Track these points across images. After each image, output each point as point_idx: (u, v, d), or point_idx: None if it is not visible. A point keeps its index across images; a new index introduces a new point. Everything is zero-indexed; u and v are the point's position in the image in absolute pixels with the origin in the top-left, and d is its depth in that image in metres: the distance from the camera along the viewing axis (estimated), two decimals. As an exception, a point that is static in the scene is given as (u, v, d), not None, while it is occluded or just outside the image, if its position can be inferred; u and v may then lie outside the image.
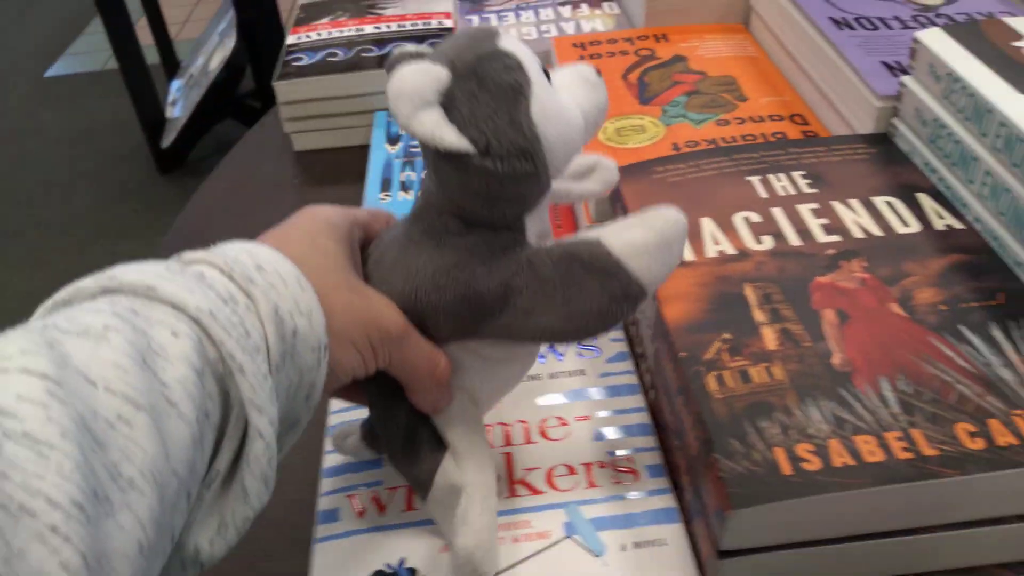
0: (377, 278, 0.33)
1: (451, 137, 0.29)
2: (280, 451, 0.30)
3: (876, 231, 0.42)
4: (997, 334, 0.36)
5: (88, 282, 0.27)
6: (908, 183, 0.46)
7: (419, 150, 0.58)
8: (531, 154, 0.30)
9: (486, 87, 0.29)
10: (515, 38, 0.32)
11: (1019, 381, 0.34)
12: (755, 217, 0.44)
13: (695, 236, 0.43)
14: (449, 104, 0.29)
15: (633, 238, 0.31)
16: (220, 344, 0.25)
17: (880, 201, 0.44)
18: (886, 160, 0.48)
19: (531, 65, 0.31)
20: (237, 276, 0.28)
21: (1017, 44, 0.45)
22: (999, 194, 0.41)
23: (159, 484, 0.23)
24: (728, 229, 0.43)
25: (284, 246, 0.31)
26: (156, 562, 0.24)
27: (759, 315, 0.38)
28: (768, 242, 0.42)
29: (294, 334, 0.28)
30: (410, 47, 0.32)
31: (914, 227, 0.42)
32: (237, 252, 0.29)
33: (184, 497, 0.25)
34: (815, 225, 0.43)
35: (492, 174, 0.30)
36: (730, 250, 0.42)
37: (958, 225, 0.42)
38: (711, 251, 0.42)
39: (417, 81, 0.28)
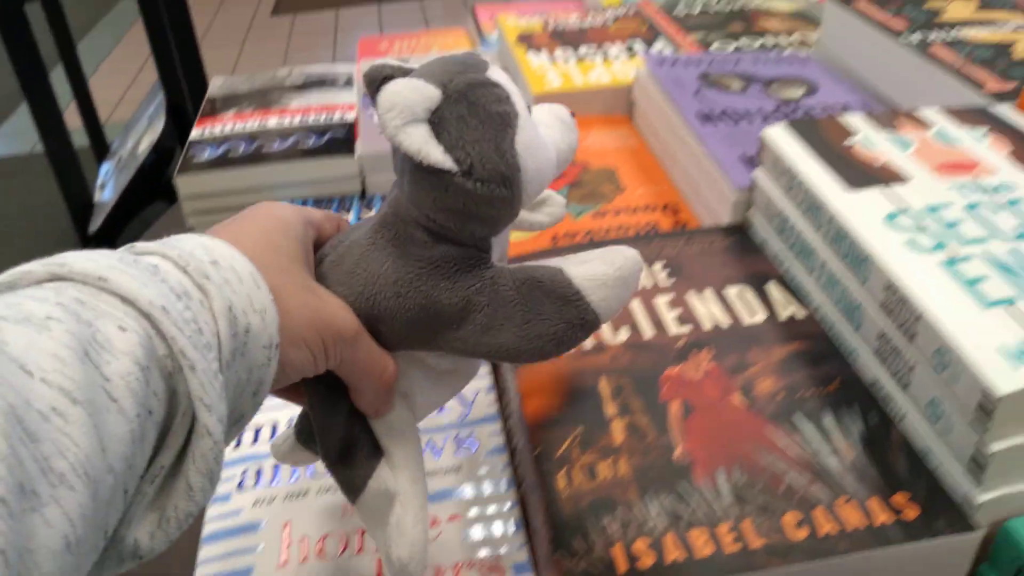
0: (333, 280, 0.34)
1: (436, 154, 0.30)
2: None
3: (725, 321, 0.45)
4: (828, 422, 0.38)
5: (35, 266, 0.26)
6: (759, 272, 0.48)
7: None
8: (510, 181, 0.31)
9: (476, 113, 0.31)
10: (502, 71, 0.33)
11: (843, 469, 0.36)
12: (615, 311, 0.46)
13: (557, 331, 0.45)
14: (437, 123, 0.31)
15: (594, 271, 0.32)
16: (172, 340, 0.25)
17: (732, 291, 0.47)
18: (741, 250, 0.50)
19: (518, 99, 0.32)
20: (192, 271, 0.27)
21: (849, 143, 0.49)
22: (833, 284, 0.43)
23: (92, 480, 0.22)
24: (589, 323, 0.45)
25: (238, 242, 0.30)
26: (86, 558, 0.23)
27: (610, 408, 0.40)
28: (624, 334, 0.44)
29: (247, 331, 0.28)
30: (393, 62, 0.33)
31: (760, 316, 0.45)
32: (192, 246, 0.28)
33: (120, 493, 0.24)
34: (669, 317, 0.45)
35: (470, 194, 0.31)
36: (589, 343, 0.44)
37: (801, 314, 0.45)
38: (571, 346, 0.44)
39: (410, 96, 0.30)
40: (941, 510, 0.34)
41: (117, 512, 0.24)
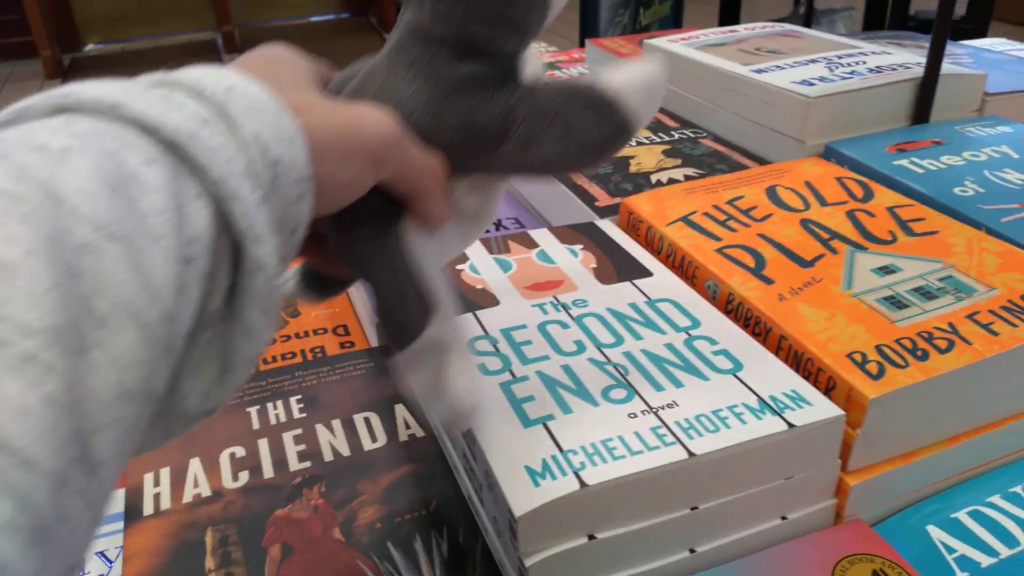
0: None
1: None
2: None
3: (345, 451, 0.46)
4: (418, 546, 0.40)
5: (38, 99, 0.22)
6: (392, 395, 0.51)
7: None
8: None
9: None
10: None
11: (423, 592, 0.38)
12: (240, 452, 0.47)
13: (178, 480, 0.45)
14: None
15: (628, 77, 0.33)
16: (206, 168, 0.22)
17: (359, 418, 0.49)
18: (379, 372, 0.53)
19: None
20: (209, 95, 0.24)
21: (460, 267, 0.52)
22: (440, 406, 0.46)
23: (140, 323, 0.19)
24: (212, 469, 0.45)
25: (245, 71, 0.26)
26: (138, 413, 0.20)
27: (210, 562, 0.40)
28: (244, 478, 0.45)
29: (276, 163, 0.24)
30: None
31: (380, 441, 0.47)
32: (205, 74, 0.25)
33: (166, 348, 0.21)
34: (293, 453, 0.46)
35: None
36: (206, 492, 0.44)
37: (420, 433, 0.47)
38: (188, 496, 0.44)
39: None
40: (504, 623, 0.37)
41: (167, 367, 0.21)
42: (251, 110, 0.24)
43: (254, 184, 0.24)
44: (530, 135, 0.32)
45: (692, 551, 0.38)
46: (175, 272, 0.21)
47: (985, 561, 0.40)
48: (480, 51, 0.31)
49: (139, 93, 0.23)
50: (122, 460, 0.20)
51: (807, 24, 2.54)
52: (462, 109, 0.31)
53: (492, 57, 0.31)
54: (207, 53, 3.78)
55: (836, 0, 2.76)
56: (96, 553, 0.44)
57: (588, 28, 2.33)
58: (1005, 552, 0.40)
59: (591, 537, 0.36)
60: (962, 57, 0.84)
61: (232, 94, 0.24)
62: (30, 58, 3.55)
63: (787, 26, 0.89)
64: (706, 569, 0.38)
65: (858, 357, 0.41)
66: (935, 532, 0.42)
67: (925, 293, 0.46)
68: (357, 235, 0.32)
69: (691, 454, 0.36)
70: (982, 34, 2.19)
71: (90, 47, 3.98)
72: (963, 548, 0.41)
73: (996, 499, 0.43)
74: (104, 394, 0.18)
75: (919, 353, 0.41)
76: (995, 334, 0.42)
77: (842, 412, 0.39)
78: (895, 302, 0.45)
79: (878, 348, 0.42)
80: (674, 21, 2.55)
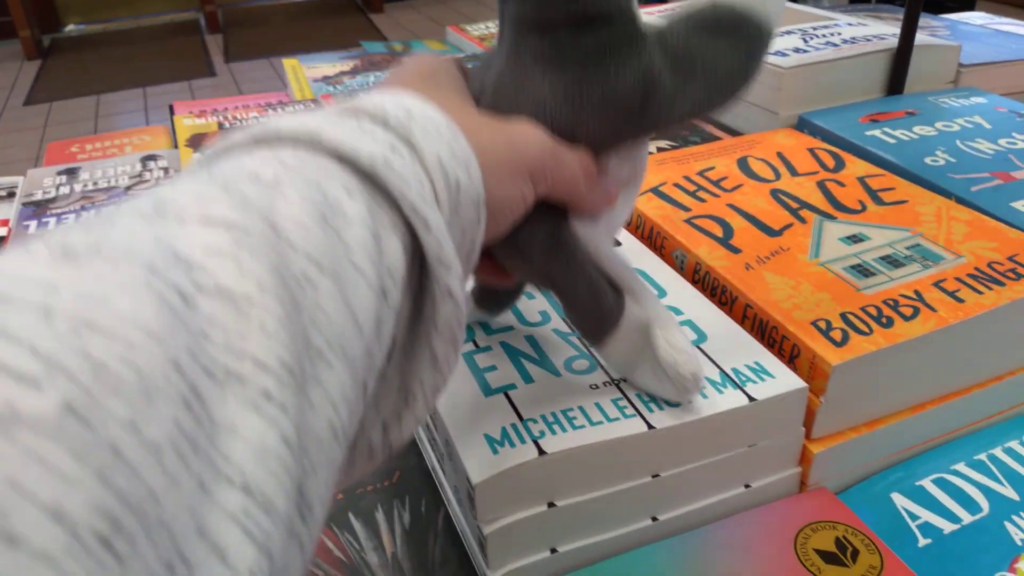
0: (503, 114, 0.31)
1: None
2: None
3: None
4: (379, 517, 0.40)
5: (239, 136, 0.22)
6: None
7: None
8: None
9: None
10: None
11: (383, 564, 0.38)
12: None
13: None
14: None
15: None
16: (400, 198, 0.22)
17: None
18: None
19: None
20: (393, 123, 0.24)
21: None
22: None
23: (348, 359, 0.19)
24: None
25: (408, 89, 0.27)
26: (342, 453, 0.20)
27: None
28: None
29: (457, 187, 0.24)
30: None
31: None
32: (383, 100, 0.25)
33: (363, 385, 0.21)
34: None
35: None
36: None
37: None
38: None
39: None
40: (464, 592, 0.36)
41: (361, 409, 0.21)
42: (430, 134, 0.24)
43: (441, 210, 0.24)
44: (674, 90, 0.30)
45: (654, 519, 0.38)
46: (375, 306, 0.21)
47: (948, 527, 0.40)
48: (595, 17, 0.30)
49: (333, 122, 0.23)
50: (326, 504, 0.19)
51: None
52: (599, 87, 0.30)
53: (608, 19, 0.30)
54: (189, 33, 3.74)
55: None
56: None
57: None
58: (968, 518, 0.40)
59: (551, 505, 0.35)
60: (939, 29, 0.84)
61: (412, 118, 0.24)
62: (8, 39, 3.50)
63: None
64: (668, 537, 0.38)
65: (822, 324, 0.41)
66: (899, 499, 0.42)
67: (892, 261, 0.46)
68: (530, 249, 0.32)
69: (650, 427, 0.36)
70: (969, 9, 2.19)
71: (70, 27, 3.92)
72: (926, 515, 0.40)
73: (961, 466, 0.43)
74: (321, 433, 0.18)
75: (884, 320, 0.41)
76: (961, 301, 0.42)
77: (805, 384, 0.38)
78: (862, 270, 0.45)
79: (843, 316, 0.41)
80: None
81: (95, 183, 0.83)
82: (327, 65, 1.13)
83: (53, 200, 0.79)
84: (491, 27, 1.31)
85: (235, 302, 0.17)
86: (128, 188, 0.80)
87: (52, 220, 0.75)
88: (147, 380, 0.15)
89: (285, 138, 0.22)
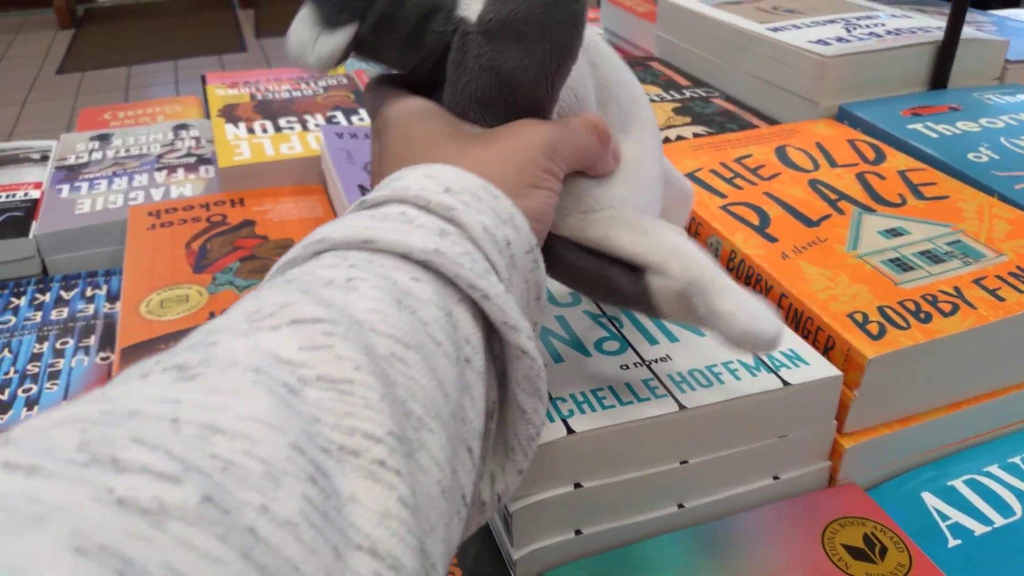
0: None
1: None
2: None
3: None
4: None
5: (297, 251, 0.25)
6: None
7: None
8: None
9: None
10: None
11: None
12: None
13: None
14: None
15: None
16: (456, 279, 0.24)
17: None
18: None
19: None
20: (435, 207, 0.26)
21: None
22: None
23: (443, 422, 0.21)
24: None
25: (441, 157, 0.29)
26: (451, 510, 0.22)
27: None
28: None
29: (508, 244, 0.26)
30: None
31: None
32: (421, 181, 0.26)
33: (464, 448, 0.23)
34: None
35: None
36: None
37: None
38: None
39: None
40: (486, 571, 0.36)
41: (467, 471, 0.23)
42: (471, 205, 0.26)
43: (495, 277, 0.25)
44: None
45: (681, 506, 0.38)
46: (456, 372, 0.23)
47: (979, 529, 0.39)
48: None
49: (383, 225, 0.24)
50: (447, 561, 0.21)
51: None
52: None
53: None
54: (221, 7, 3.74)
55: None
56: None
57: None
58: (1000, 521, 0.39)
59: (577, 486, 0.35)
60: (986, 24, 0.82)
61: (452, 193, 0.26)
62: (43, 7, 3.53)
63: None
64: (694, 525, 0.38)
65: (859, 317, 0.40)
66: (930, 499, 0.41)
67: (932, 256, 0.45)
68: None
69: (682, 407, 0.35)
70: (1015, 4, 2.14)
71: (104, -2, 3.94)
72: (957, 516, 0.40)
73: (994, 468, 0.42)
74: (432, 493, 0.20)
75: (922, 315, 0.40)
76: (1001, 299, 0.41)
77: (839, 372, 0.38)
78: (900, 264, 0.44)
79: (880, 309, 0.41)
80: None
81: (127, 150, 0.83)
82: (360, 41, 1.13)
83: (86, 165, 0.80)
84: None
85: (337, 386, 0.19)
86: (160, 156, 0.81)
87: (84, 184, 0.76)
88: (272, 466, 0.16)
89: (340, 247, 0.24)
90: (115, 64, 3.00)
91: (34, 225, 0.68)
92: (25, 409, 0.49)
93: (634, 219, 0.32)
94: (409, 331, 0.22)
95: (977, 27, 0.78)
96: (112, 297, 0.63)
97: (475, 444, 0.24)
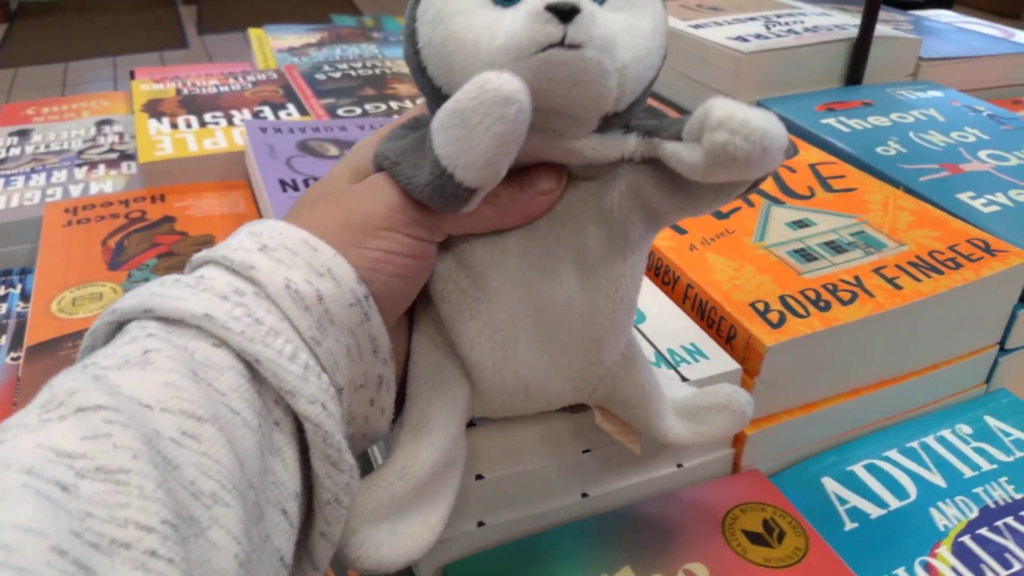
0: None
1: None
2: (369, 414, 0.29)
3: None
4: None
5: (97, 324, 0.26)
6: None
7: None
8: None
9: None
10: None
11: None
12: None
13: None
14: None
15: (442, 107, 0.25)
16: (226, 343, 0.24)
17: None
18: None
19: None
20: (237, 266, 0.26)
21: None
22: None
23: (240, 494, 0.22)
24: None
25: (296, 216, 0.28)
26: (262, 574, 0.22)
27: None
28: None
29: (319, 300, 0.26)
30: None
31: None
32: (241, 238, 0.27)
33: (272, 509, 0.23)
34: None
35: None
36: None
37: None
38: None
39: None
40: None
41: (284, 534, 0.24)
42: (282, 261, 0.26)
43: (289, 336, 0.25)
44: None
45: (584, 495, 0.38)
46: (258, 439, 0.23)
47: (875, 512, 0.40)
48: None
49: (164, 292, 0.25)
50: None
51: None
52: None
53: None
54: (162, 3, 3.67)
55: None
56: None
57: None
58: (895, 504, 0.41)
59: (479, 477, 0.35)
60: (903, 23, 0.84)
61: (262, 254, 0.26)
62: (-23, 1, 3.42)
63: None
64: (598, 514, 0.38)
65: (760, 306, 0.41)
66: (830, 484, 0.42)
67: (835, 247, 0.46)
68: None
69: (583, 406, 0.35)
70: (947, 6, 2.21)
71: (41, -8, 3.83)
72: (855, 500, 0.41)
73: (892, 453, 0.43)
74: (227, 566, 0.21)
75: (822, 304, 0.41)
76: (898, 288, 0.42)
77: (738, 366, 0.38)
78: (805, 254, 0.45)
79: (781, 298, 0.41)
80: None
81: (47, 145, 0.81)
82: (293, 36, 1.12)
83: (2, 161, 0.77)
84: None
85: (113, 476, 0.19)
86: (81, 152, 0.79)
87: (0, 181, 0.74)
88: (29, 573, 0.17)
89: (131, 316, 0.25)
90: (51, 60, 2.92)
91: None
92: (-78, 411, 0.48)
93: None
94: (204, 403, 0.22)
95: (895, 26, 0.80)
96: (26, 296, 0.61)
97: (290, 505, 0.24)
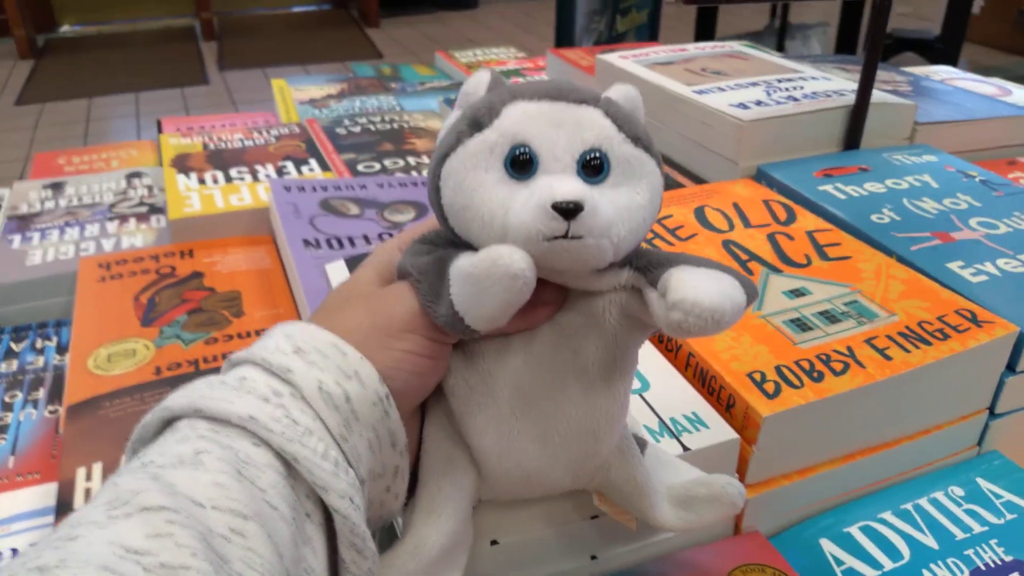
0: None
1: None
2: (384, 499, 0.32)
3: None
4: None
5: (148, 418, 0.28)
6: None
7: None
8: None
9: None
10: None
11: None
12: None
13: (111, 474, 0.46)
14: None
15: (459, 263, 0.29)
16: (268, 443, 0.27)
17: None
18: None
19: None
20: (276, 369, 0.29)
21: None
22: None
23: None
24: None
25: (326, 317, 0.32)
26: None
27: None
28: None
29: (347, 399, 0.29)
30: None
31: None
32: (277, 340, 0.30)
33: None
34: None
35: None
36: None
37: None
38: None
39: None
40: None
41: None
42: (314, 364, 0.29)
43: (321, 435, 0.28)
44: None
45: (593, 557, 0.40)
46: (293, 531, 0.26)
47: (869, 573, 0.42)
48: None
49: (212, 394, 0.28)
50: None
51: (781, 38, 2.58)
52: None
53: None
54: (184, 39, 3.76)
55: (811, 15, 2.80)
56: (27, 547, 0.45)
57: (563, 34, 2.35)
58: (889, 565, 0.43)
59: (493, 543, 0.38)
60: (902, 85, 0.87)
61: (297, 357, 0.29)
62: (2, 36, 3.51)
63: (736, 47, 0.91)
64: (608, 574, 0.40)
65: (757, 376, 0.43)
66: (827, 545, 0.44)
67: (830, 316, 0.48)
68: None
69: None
70: (955, 55, 2.24)
71: (65, 28, 3.93)
72: (851, 561, 0.43)
73: (887, 515, 0.46)
74: None
75: (815, 375, 0.44)
76: (888, 359, 0.45)
77: (736, 436, 0.41)
78: (800, 324, 0.48)
79: (777, 368, 0.44)
80: (651, 30, 2.57)
81: (80, 199, 0.85)
82: (315, 87, 1.16)
83: (38, 214, 0.81)
84: (479, 54, 1.34)
85: (175, 573, 0.22)
86: (112, 205, 0.83)
87: (36, 235, 0.77)
88: None
89: (182, 415, 0.28)
90: (76, 96, 2.99)
91: (-16, 277, 0.69)
92: (-30, 466, 0.51)
93: None
94: (248, 502, 0.25)
95: (893, 87, 0.83)
96: (62, 349, 0.64)
97: None
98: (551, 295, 0.32)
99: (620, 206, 0.29)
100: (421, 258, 0.31)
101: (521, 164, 0.28)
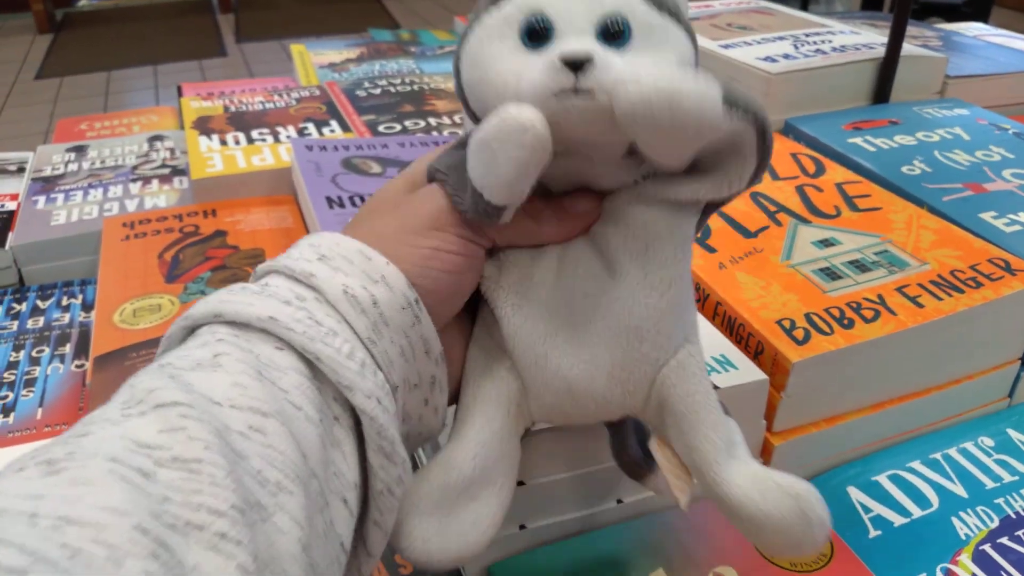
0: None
1: None
2: (423, 413, 0.31)
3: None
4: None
5: (172, 330, 0.28)
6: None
7: None
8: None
9: None
10: None
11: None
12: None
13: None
14: None
15: (473, 135, 0.28)
16: (289, 343, 0.26)
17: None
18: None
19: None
20: (299, 275, 0.28)
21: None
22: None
23: (303, 483, 0.24)
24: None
25: (354, 226, 0.32)
26: (323, 561, 0.24)
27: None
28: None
29: (374, 303, 0.28)
30: None
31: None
32: (301, 249, 0.30)
33: (335, 498, 0.26)
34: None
35: None
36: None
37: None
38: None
39: None
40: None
41: (344, 520, 0.26)
42: (339, 269, 0.29)
43: (347, 336, 0.27)
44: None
45: (619, 501, 0.40)
46: (320, 432, 0.25)
47: (898, 520, 0.42)
48: None
49: (232, 298, 0.27)
50: None
51: (805, 0, 2.53)
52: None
53: None
54: (201, 12, 3.75)
55: (834, -22, 2.75)
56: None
57: None
58: (917, 513, 0.42)
59: (521, 483, 0.38)
60: (932, 40, 0.85)
61: (321, 263, 0.29)
62: (22, 11, 3.52)
63: (762, 2, 0.90)
64: (632, 519, 0.41)
65: (787, 324, 0.43)
66: (855, 493, 0.44)
67: (860, 266, 0.48)
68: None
69: (618, 410, 0.38)
70: (983, 18, 2.20)
71: (83, 2, 3.94)
72: (879, 508, 0.43)
73: (916, 464, 0.45)
74: (292, 551, 0.23)
75: (845, 322, 0.43)
76: (920, 306, 0.44)
77: (765, 376, 0.40)
78: (830, 273, 0.47)
79: (807, 316, 0.44)
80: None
81: (102, 161, 0.85)
82: (334, 52, 1.15)
83: (62, 176, 0.81)
84: (497, 19, 1.32)
85: (188, 465, 0.21)
86: (135, 167, 0.83)
87: (60, 196, 0.78)
88: (115, 549, 0.19)
89: (202, 322, 0.27)
90: (94, 69, 3.00)
91: (11, 236, 0.70)
92: (1, 416, 0.51)
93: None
94: (268, 400, 0.24)
95: (923, 42, 0.82)
96: (87, 306, 0.64)
97: (350, 495, 0.26)
98: (587, 203, 0.31)
99: (638, 67, 0.27)
100: (449, 157, 0.31)
101: (536, 34, 0.28)
